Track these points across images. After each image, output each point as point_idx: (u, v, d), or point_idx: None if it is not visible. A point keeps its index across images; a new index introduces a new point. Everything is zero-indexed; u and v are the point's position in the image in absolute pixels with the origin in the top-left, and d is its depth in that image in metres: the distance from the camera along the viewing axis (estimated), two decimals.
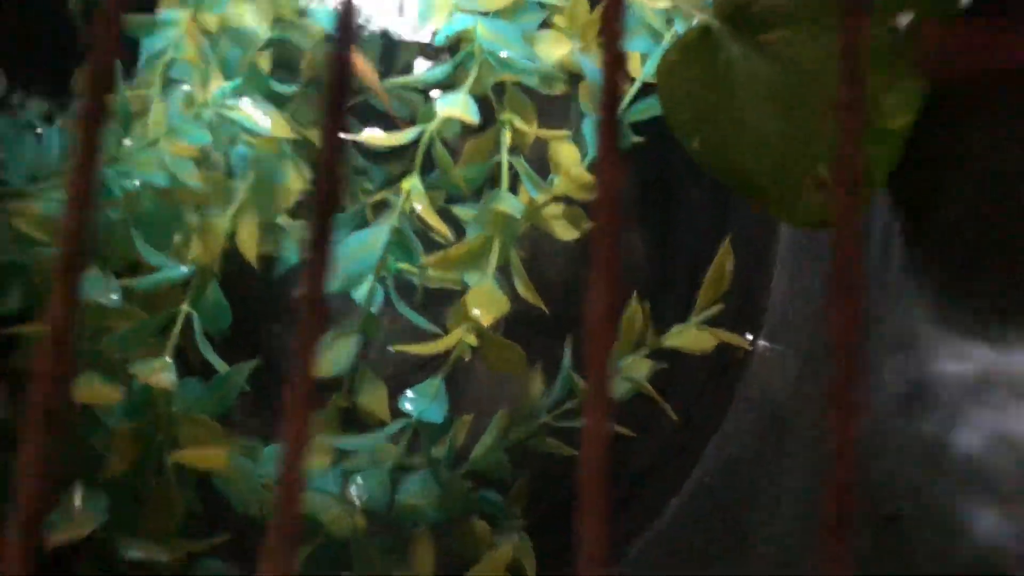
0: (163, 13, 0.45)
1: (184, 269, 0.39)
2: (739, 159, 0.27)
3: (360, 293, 0.43)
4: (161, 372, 0.37)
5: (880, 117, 0.25)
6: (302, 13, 0.47)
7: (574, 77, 0.47)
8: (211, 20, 0.46)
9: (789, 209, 0.27)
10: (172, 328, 0.40)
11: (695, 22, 0.27)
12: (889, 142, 0.26)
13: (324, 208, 0.15)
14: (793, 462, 0.35)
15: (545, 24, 0.47)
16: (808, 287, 0.39)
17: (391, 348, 0.41)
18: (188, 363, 0.41)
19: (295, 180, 0.45)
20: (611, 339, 0.17)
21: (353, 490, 0.38)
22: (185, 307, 0.40)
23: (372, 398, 0.42)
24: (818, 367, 0.35)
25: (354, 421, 0.43)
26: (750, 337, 0.42)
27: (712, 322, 0.41)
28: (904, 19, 0.24)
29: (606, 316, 0.16)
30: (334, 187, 0.15)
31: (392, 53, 0.48)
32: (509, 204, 0.42)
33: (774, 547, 0.35)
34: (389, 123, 0.46)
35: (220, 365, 0.39)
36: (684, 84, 0.28)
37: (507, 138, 0.44)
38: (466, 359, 0.40)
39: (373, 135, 0.43)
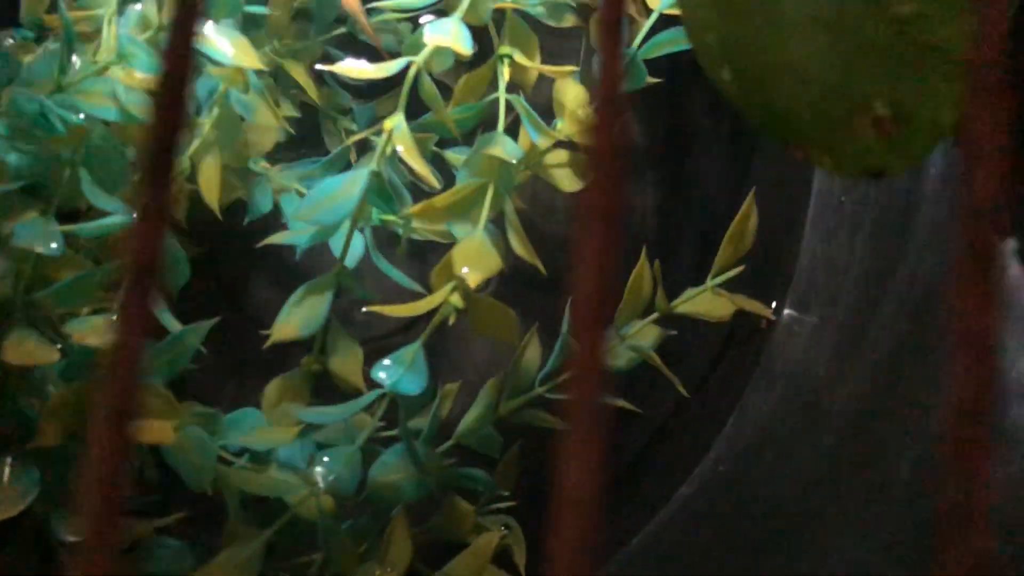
0: None
1: (133, 215, 0.35)
2: (778, 94, 0.22)
3: (335, 244, 0.38)
4: (104, 331, 0.33)
5: (954, 44, 0.20)
6: None
7: (583, 9, 0.42)
8: None
9: (837, 154, 0.22)
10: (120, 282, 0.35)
11: None
12: (961, 77, 0.21)
13: (159, 147, 0.10)
14: (825, 450, 0.31)
15: None
16: (844, 249, 0.34)
17: (364, 309, 0.37)
18: None
19: (267, 117, 0.40)
20: (603, 312, 0.13)
21: (319, 468, 0.34)
22: None
23: (346, 363, 0.37)
24: (859, 341, 0.30)
25: (328, 387, 0.39)
26: (774, 305, 0.38)
27: (731, 286, 0.36)
28: None
29: (598, 271, 0.12)
30: (175, 120, 0.10)
31: None
32: (505, 148, 0.37)
33: (798, 546, 0.30)
34: (376, 56, 0.41)
35: (172, 324, 0.35)
36: (714, 2, 0.22)
37: (505, 74, 0.39)
38: (451, 323, 0.35)
39: (351, 67, 0.38)
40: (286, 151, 0.43)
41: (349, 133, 0.44)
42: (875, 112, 0.21)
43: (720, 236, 0.36)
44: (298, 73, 0.43)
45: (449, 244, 0.38)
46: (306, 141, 0.44)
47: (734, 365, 0.38)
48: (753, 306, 0.36)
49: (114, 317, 0.30)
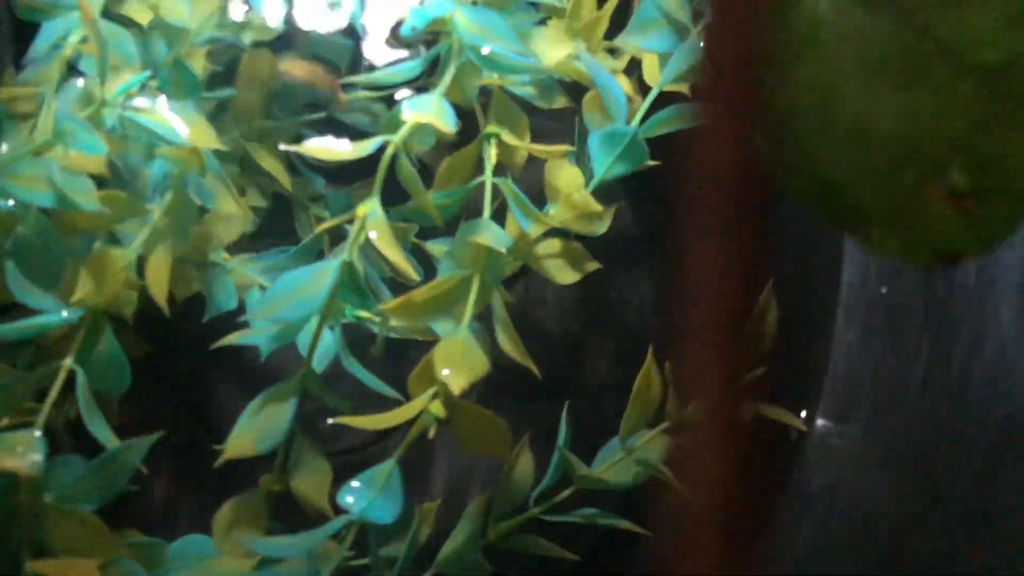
0: None
1: (64, 313, 0.30)
2: (828, 162, 0.18)
3: (302, 343, 0.34)
4: (24, 452, 0.28)
5: None
6: (250, 9, 0.39)
7: (575, 89, 0.38)
8: (140, 10, 0.37)
9: (906, 236, 0.18)
10: (50, 389, 0.30)
11: None
12: None
13: None
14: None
15: (542, 23, 0.39)
16: (886, 349, 0.30)
17: (330, 421, 0.32)
18: (75, 433, 0.32)
19: (229, 205, 0.36)
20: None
21: None
22: (68, 362, 0.31)
23: (311, 482, 0.33)
24: (910, 457, 0.26)
25: (291, 508, 0.34)
26: (804, 414, 0.33)
27: (752, 392, 0.32)
28: None
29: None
30: None
31: (355, 50, 0.40)
32: (492, 236, 0.33)
33: None
34: (352, 136, 0.37)
35: (109, 439, 0.30)
36: None
37: (492, 155, 0.35)
38: (430, 436, 0.31)
39: (319, 147, 0.34)
40: (253, 241, 0.39)
41: (321, 221, 0.40)
42: (951, 181, 0.17)
43: None
44: (265, 158, 0.39)
45: (431, 342, 0.33)
46: (275, 231, 0.40)
47: (759, 483, 0.33)
48: (780, 414, 0.31)
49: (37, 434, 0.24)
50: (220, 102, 0.39)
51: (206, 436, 0.36)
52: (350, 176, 0.40)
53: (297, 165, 0.40)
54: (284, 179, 0.39)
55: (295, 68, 0.38)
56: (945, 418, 0.26)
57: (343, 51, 0.40)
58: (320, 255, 0.38)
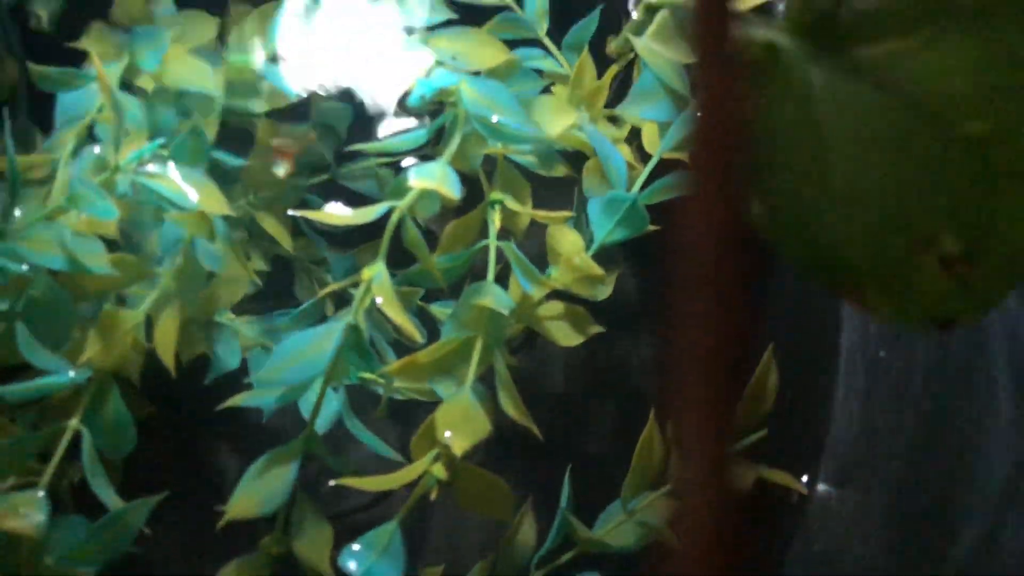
0: (87, 68, 0.38)
1: (72, 374, 0.31)
2: (822, 229, 0.18)
3: (305, 405, 0.34)
4: (27, 512, 0.28)
5: None
6: (260, 78, 0.40)
7: (575, 158, 0.39)
8: (145, 79, 0.38)
9: (898, 300, 0.18)
10: (54, 450, 0.31)
11: (755, 41, 0.19)
12: None
13: None
14: None
15: (545, 92, 0.40)
16: (887, 412, 0.30)
17: (332, 483, 0.32)
18: (77, 495, 0.32)
19: (236, 269, 0.37)
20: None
21: None
22: (74, 422, 0.31)
23: (313, 545, 0.32)
24: (911, 522, 0.26)
25: (291, 572, 0.34)
26: (805, 478, 0.33)
27: (753, 455, 0.32)
28: None
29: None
30: None
31: (361, 118, 0.41)
32: (495, 298, 0.33)
33: None
34: (353, 200, 0.38)
35: (112, 500, 0.30)
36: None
37: (496, 220, 0.36)
38: (432, 497, 0.31)
39: (329, 212, 0.35)
40: (253, 303, 0.40)
41: (323, 284, 0.40)
42: (943, 248, 0.18)
43: None
44: (270, 224, 0.40)
45: (434, 403, 0.34)
46: (276, 293, 0.41)
47: (760, 548, 0.33)
48: (779, 478, 0.32)
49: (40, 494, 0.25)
50: (229, 169, 0.40)
51: (208, 497, 0.36)
52: (352, 239, 0.41)
53: (303, 228, 0.41)
54: (288, 243, 0.40)
55: (286, 146, 0.39)
56: (945, 481, 0.26)
57: (343, 116, 0.41)
58: (322, 317, 0.39)
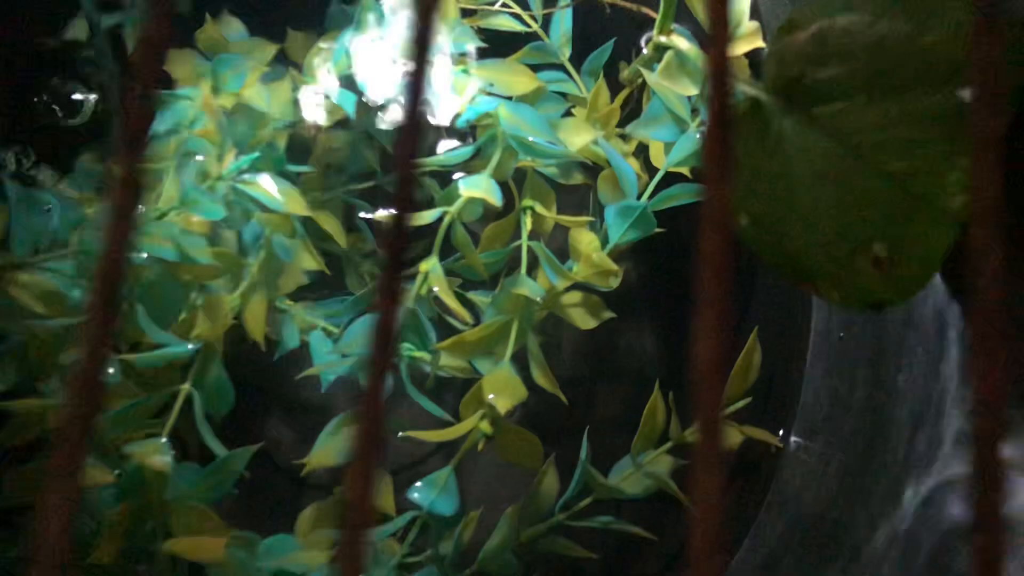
0: (180, 89, 0.44)
1: (188, 346, 0.37)
2: (789, 237, 0.25)
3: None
4: (156, 454, 0.35)
5: (940, 194, 0.24)
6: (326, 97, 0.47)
7: (591, 168, 0.46)
8: (226, 98, 0.45)
9: (843, 289, 0.25)
10: (171, 408, 0.37)
11: (744, 96, 0.26)
12: (947, 221, 0.25)
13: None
14: (834, 572, 0.33)
15: (568, 114, 0.47)
16: (848, 380, 0.37)
17: (400, 434, 0.39)
18: (184, 448, 0.39)
19: (307, 260, 0.44)
20: (721, 382, 0.14)
21: None
22: (186, 386, 0.38)
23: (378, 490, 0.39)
24: (866, 466, 0.33)
25: None
26: (781, 433, 0.40)
27: (739, 417, 0.39)
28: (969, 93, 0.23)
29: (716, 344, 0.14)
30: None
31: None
32: (529, 288, 0.40)
33: None
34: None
35: (219, 449, 0.37)
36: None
37: (528, 223, 0.43)
38: (480, 448, 0.38)
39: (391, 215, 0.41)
40: (305, 291, 0.46)
41: (371, 275, 0.47)
42: (874, 252, 0.25)
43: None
44: (327, 222, 0.46)
45: (470, 380, 0.40)
46: (326, 282, 0.47)
47: (745, 492, 0.41)
48: (761, 435, 0.39)
49: (164, 440, 0.31)
50: (290, 174, 0.46)
51: (261, 456, 0.43)
52: None
53: (359, 226, 0.47)
54: (342, 239, 0.47)
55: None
56: (878, 430, 0.33)
57: (389, 131, 0.48)
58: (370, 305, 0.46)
